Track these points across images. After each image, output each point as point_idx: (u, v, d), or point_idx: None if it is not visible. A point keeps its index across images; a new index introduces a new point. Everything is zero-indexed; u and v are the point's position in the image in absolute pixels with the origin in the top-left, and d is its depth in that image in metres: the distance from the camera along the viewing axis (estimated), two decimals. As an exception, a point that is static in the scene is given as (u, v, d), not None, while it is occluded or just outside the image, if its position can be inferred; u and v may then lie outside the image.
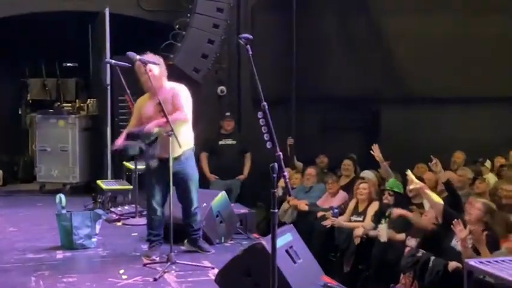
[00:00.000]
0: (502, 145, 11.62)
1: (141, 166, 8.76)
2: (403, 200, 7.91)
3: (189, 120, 6.61)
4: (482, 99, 12.68)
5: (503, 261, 3.81)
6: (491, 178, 9.52)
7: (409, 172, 7.13)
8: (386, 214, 7.85)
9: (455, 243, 6.49)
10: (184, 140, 6.36)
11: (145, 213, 8.01)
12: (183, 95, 6.60)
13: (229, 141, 9.97)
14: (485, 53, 12.45)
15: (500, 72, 12.54)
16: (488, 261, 3.85)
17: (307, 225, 8.54)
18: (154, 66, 6.47)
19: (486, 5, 12.35)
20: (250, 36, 4.41)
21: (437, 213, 6.81)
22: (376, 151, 8.66)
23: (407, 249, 6.93)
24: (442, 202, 6.94)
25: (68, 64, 13.32)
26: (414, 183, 6.90)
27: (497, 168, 10.28)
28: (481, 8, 12.32)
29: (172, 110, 6.37)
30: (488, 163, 10.45)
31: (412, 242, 7.12)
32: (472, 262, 3.98)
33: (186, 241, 6.87)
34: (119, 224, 8.33)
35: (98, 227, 7.13)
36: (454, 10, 12.30)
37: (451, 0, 12.33)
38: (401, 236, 7.29)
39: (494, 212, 6.72)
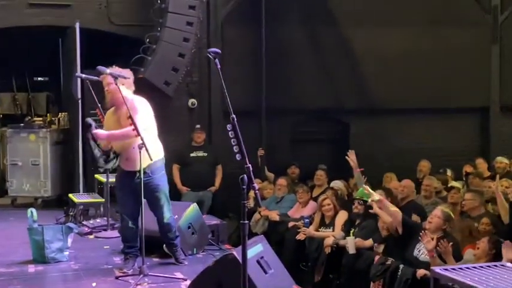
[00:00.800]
0: (463, 154, 11.80)
1: (112, 179, 8.75)
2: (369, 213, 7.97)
3: (151, 132, 6.55)
4: (444, 110, 12.80)
5: (467, 268, 3.87)
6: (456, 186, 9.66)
7: (365, 187, 7.22)
8: (356, 223, 7.92)
9: (417, 253, 6.58)
10: (151, 152, 6.30)
11: (117, 225, 8.01)
12: (139, 108, 6.47)
13: (201, 153, 9.98)
14: (446, 65, 12.59)
15: (461, 84, 12.66)
16: (454, 269, 3.92)
17: (279, 235, 8.54)
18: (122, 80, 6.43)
19: (446, 19, 12.50)
20: (219, 50, 4.44)
21: (397, 223, 6.88)
22: (351, 156, 8.70)
23: (376, 257, 6.98)
24: (400, 212, 7.02)
25: (39, 78, 13.22)
26: (373, 196, 6.98)
27: (464, 176, 10.42)
28: (441, 21, 12.47)
29: (126, 124, 6.32)
30: (449, 172, 10.58)
31: (380, 249, 7.19)
32: (438, 270, 4.03)
33: (164, 245, 6.88)
34: (91, 237, 8.26)
35: (69, 240, 7.07)
36: (416, 24, 12.43)
37: (414, 14, 12.42)
38: (369, 242, 7.34)
39: (453, 219, 6.82)
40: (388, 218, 6.96)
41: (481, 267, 3.91)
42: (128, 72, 6.63)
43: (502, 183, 8.73)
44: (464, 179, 10.27)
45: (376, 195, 7.00)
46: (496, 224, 7.05)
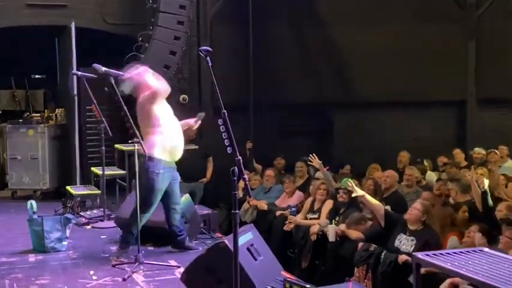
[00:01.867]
0: (441, 145, 11.85)
1: (108, 172, 8.73)
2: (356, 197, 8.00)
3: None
4: (423, 104, 12.92)
5: (447, 253, 3.88)
6: (433, 176, 9.71)
7: (349, 182, 7.23)
8: (340, 212, 7.94)
9: (398, 244, 6.62)
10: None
11: (113, 216, 7.98)
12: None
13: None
14: (426, 60, 12.69)
15: (439, 78, 12.75)
16: (434, 254, 3.92)
17: (267, 223, 8.55)
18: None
19: (425, 15, 12.60)
20: (210, 49, 4.44)
21: (379, 217, 6.93)
22: (314, 160, 8.73)
23: (360, 244, 7.01)
24: (382, 206, 7.05)
25: (37, 76, 13.14)
26: (355, 191, 7.00)
27: (440, 167, 10.47)
28: (420, 18, 12.57)
29: None
30: (427, 162, 10.62)
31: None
32: (420, 255, 4.03)
33: (170, 246, 6.84)
34: (88, 227, 8.23)
35: (68, 230, 7.04)
36: (396, 21, 12.51)
37: (394, 12, 12.47)
38: (356, 233, 7.35)
39: (432, 212, 6.86)
40: (375, 205, 6.99)
41: (461, 252, 3.91)
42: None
43: (478, 171, 8.79)
44: (440, 169, 10.31)
45: (359, 191, 7.03)
46: (474, 212, 7.09)
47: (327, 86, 12.27)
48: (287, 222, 8.35)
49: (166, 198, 6.54)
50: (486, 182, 7.65)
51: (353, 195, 7.20)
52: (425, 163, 10.56)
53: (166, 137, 6.35)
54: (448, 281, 5.52)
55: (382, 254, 6.58)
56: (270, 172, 9.67)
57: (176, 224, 6.66)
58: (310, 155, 8.90)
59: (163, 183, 6.40)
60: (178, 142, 6.48)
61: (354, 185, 7.10)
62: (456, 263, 3.60)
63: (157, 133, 6.31)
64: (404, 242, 6.58)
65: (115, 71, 6.45)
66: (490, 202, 7.46)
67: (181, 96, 10.32)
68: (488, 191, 7.47)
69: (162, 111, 6.38)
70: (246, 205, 8.98)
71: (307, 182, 9.11)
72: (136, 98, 6.41)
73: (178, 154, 6.53)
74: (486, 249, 3.96)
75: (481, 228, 6.20)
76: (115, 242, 7.12)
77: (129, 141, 7.49)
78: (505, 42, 13.13)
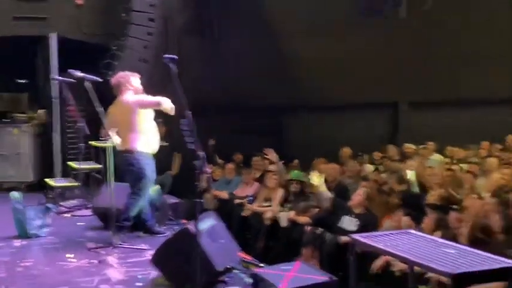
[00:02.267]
0: (377, 142, 11.99)
1: (85, 166, 8.64)
2: (306, 187, 8.12)
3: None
4: (361, 105, 12.84)
5: (380, 235, 3.96)
6: (371, 168, 9.84)
7: (315, 177, 7.34)
8: (291, 200, 8.00)
9: (343, 224, 6.73)
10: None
11: (90, 206, 7.89)
12: None
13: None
14: (362, 67, 12.57)
15: (374, 82, 12.66)
16: (369, 236, 4.00)
17: (227, 210, 8.56)
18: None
19: (362, 25, 12.48)
20: (175, 56, 4.43)
21: (328, 203, 7.08)
22: (270, 154, 8.79)
23: (308, 228, 7.08)
24: (330, 194, 7.19)
25: (21, 80, 12.91)
26: (320, 186, 7.15)
27: (376, 160, 10.63)
28: (356, 27, 12.50)
29: None
30: (365, 157, 10.78)
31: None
32: (357, 236, 4.11)
33: (142, 232, 6.78)
34: (68, 215, 8.15)
35: (49, 218, 6.97)
36: (336, 31, 12.43)
37: (334, 23, 12.43)
38: (304, 219, 7.43)
39: (373, 198, 6.99)
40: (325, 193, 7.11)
41: (391, 234, 4.00)
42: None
43: (410, 163, 8.98)
44: (376, 162, 10.47)
45: (323, 186, 7.26)
46: (406, 198, 7.23)
47: (278, 90, 12.24)
48: (244, 209, 8.40)
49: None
50: (411, 173, 7.84)
51: (320, 189, 7.27)
52: (364, 157, 10.71)
53: (148, 134, 6.43)
54: (381, 258, 5.63)
55: (326, 236, 6.66)
56: (230, 166, 9.73)
57: (145, 212, 6.59)
58: (266, 150, 8.93)
59: (153, 173, 6.49)
60: (156, 138, 6.55)
61: (320, 180, 7.20)
62: (388, 244, 3.67)
63: (142, 131, 6.36)
64: (349, 223, 6.70)
65: (90, 76, 6.41)
66: (417, 189, 7.65)
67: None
68: (414, 181, 7.66)
69: (146, 112, 6.44)
70: (209, 195, 8.96)
71: (263, 174, 9.15)
72: (118, 95, 6.43)
73: (156, 148, 6.55)
74: (412, 231, 4.05)
75: (407, 212, 6.33)
76: (91, 229, 7.12)
77: (100, 138, 7.41)
78: (428, 52, 13.08)
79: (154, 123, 6.57)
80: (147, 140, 6.38)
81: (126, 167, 6.36)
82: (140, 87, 6.53)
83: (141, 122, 6.32)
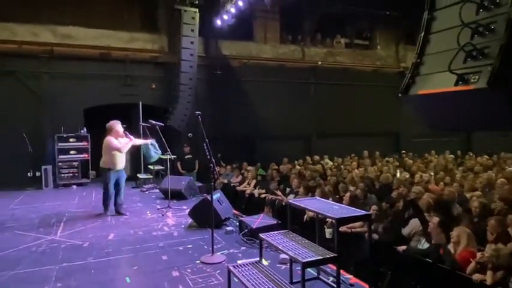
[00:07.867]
0: (297, 156, 10.61)
1: (155, 167, 8.32)
2: (265, 179, 8.10)
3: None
4: (286, 137, 11.27)
5: (301, 200, 3.70)
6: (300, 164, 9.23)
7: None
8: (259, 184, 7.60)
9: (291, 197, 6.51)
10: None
11: (158, 187, 7.55)
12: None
13: (189, 156, 9.22)
14: (287, 107, 11.10)
15: (295, 121, 11.28)
16: (300, 200, 3.74)
17: (227, 189, 8.02)
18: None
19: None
20: (200, 113, 4.24)
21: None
22: (251, 168, 8.29)
23: (269, 197, 6.99)
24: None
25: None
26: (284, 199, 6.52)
27: (299, 164, 9.73)
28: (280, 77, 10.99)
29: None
30: (296, 162, 9.83)
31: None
32: (290, 200, 4.08)
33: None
34: (147, 192, 7.62)
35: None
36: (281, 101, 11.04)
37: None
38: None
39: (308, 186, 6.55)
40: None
41: (307, 199, 3.72)
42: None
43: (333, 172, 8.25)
44: (299, 165, 9.47)
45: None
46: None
47: (253, 123, 10.77)
48: (236, 189, 8.09)
49: (116, 185, 5.91)
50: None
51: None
52: (295, 162, 9.99)
53: (117, 158, 5.76)
54: (307, 212, 5.51)
55: (276, 201, 6.71)
56: (228, 167, 9.45)
57: (120, 198, 5.97)
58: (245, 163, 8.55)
59: (113, 179, 5.80)
60: (121, 160, 5.80)
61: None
62: (305, 204, 3.45)
63: (113, 156, 5.73)
64: (291, 196, 6.42)
65: (157, 122, 6.48)
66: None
67: (189, 134, 9.70)
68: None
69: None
70: (217, 181, 8.59)
71: (244, 172, 8.64)
72: (108, 134, 5.77)
73: (122, 166, 5.84)
74: (318, 198, 3.95)
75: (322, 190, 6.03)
76: (158, 199, 6.80)
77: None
78: (334, 97, 11.46)
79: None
80: (114, 161, 5.66)
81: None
82: (121, 130, 5.71)
83: (114, 151, 5.67)
